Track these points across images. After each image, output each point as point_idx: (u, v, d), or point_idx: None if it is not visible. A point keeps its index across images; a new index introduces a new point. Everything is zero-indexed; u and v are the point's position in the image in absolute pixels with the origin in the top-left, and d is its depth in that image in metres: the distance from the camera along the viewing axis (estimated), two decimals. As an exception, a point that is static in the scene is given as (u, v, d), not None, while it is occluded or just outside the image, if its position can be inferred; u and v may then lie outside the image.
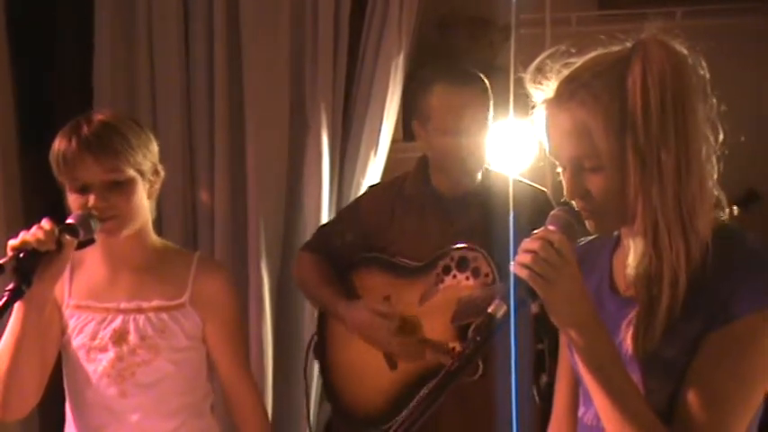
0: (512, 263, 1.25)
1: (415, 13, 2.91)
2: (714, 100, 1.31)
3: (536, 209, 2.22)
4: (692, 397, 1.27)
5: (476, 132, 2.32)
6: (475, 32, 3.54)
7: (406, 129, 3.05)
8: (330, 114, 2.87)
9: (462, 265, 2.28)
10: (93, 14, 2.83)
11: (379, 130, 2.90)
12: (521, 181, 2.51)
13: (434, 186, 2.43)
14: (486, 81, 2.38)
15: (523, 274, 1.22)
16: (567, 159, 1.33)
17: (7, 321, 1.73)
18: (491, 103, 2.36)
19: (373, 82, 2.89)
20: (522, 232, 1.30)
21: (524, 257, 1.23)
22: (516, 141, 3.02)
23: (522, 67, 1.38)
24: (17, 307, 1.70)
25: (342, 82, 2.89)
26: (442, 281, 2.32)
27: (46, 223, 1.67)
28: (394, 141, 3.01)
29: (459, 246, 2.30)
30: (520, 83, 1.38)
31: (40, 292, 1.69)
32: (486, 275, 2.23)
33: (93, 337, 1.87)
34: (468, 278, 2.27)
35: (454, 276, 2.30)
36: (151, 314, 1.89)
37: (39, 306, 1.73)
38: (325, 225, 2.69)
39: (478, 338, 1.21)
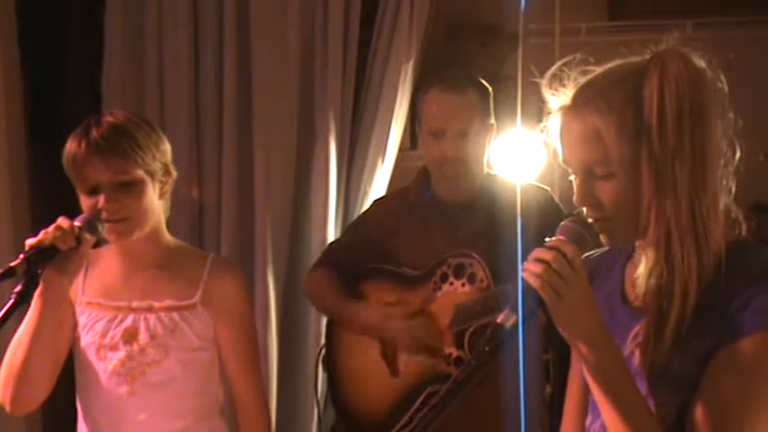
0: (521, 270, 1.24)
1: (425, 21, 2.91)
2: (731, 114, 1.30)
3: (540, 208, 2.26)
4: (700, 414, 1.26)
5: (463, 136, 2.29)
6: (484, 41, 3.55)
7: (413, 136, 3.05)
8: (338, 121, 2.87)
9: (459, 271, 2.30)
10: (102, 15, 2.85)
11: (387, 138, 2.90)
12: (524, 182, 2.50)
13: (435, 193, 2.43)
14: (483, 88, 2.36)
15: (536, 283, 1.22)
16: (579, 165, 1.33)
17: (16, 322, 1.74)
18: (485, 109, 2.34)
19: (382, 89, 2.89)
20: (528, 232, 1.28)
21: (537, 267, 1.22)
22: (524, 150, 3.02)
23: (530, 76, 1.38)
24: (35, 302, 1.71)
25: (350, 89, 2.89)
26: (440, 288, 2.34)
27: (63, 221, 1.68)
28: (402, 149, 3.01)
29: (455, 253, 2.31)
30: (528, 91, 1.38)
31: (59, 286, 1.70)
32: (482, 281, 2.25)
33: (104, 336, 1.87)
34: (464, 284, 2.29)
35: (451, 283, 2.32)
36: (162, 314, 1.88)
37: (56, 301, 1.74)
38: (333, 241, 2.70)
39: (487, 348, 1.20)
